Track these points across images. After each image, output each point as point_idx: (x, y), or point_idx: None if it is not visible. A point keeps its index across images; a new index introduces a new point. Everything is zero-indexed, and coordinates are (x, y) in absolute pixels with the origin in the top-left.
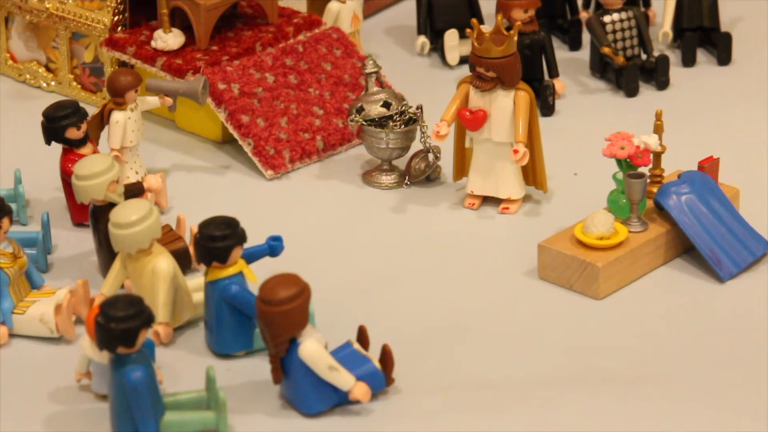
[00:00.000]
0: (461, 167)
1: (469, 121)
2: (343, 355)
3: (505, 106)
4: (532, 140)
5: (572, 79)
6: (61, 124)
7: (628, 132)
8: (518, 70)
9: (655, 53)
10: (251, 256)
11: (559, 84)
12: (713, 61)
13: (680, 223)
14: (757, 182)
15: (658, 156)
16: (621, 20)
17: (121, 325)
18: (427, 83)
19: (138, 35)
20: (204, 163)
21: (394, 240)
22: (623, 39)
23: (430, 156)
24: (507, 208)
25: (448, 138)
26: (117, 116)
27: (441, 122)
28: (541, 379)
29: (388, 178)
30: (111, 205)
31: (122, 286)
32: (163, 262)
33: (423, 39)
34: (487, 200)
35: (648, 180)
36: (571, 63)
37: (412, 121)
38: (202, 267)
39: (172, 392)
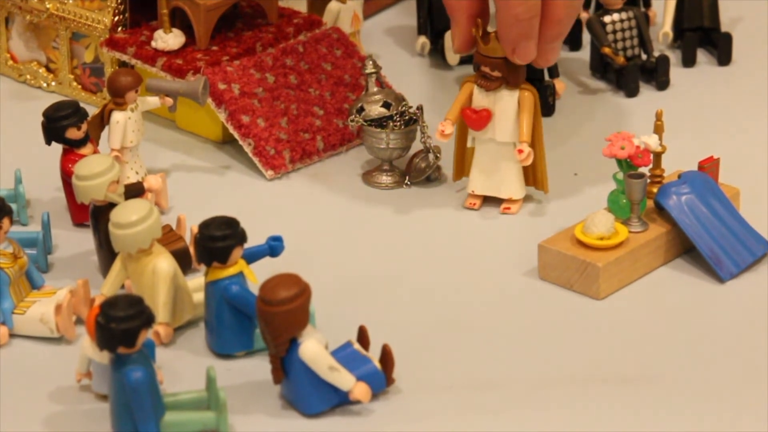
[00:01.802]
0: (461, 167)
1: (473, 120)
2: (343, 355)
3: (510, 106)
4: (534, 141)
5: (572, 79)
6: (61, 124)
7: (628, 132)
8: (523, 70)
9: (656, 53)
10: (251, 256)
11: (559, 84)
12: (713, 61)
13: (680, 224)
14: (757, 182)
15: (658, 156)
16: (621, 20)
17: (121, 325)
18: (427, 83)
19: (138, 35)
20: (204, 163)
21: (394, 240)
22: (623, 39)
23: (431, 156)
24: (508, 208)
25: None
26: (117, 116)
27: (445, 121)
28: (541, 379)
29: (388, 178)
30: (111, 206)
31: (122, 286)
32: (164, 263)
33: (423, 39)
34: (487, 200)
35: (648, 180)
36: (571, 63)
37: (412, 121)
38: (202, 267)
39: (173, 392)
